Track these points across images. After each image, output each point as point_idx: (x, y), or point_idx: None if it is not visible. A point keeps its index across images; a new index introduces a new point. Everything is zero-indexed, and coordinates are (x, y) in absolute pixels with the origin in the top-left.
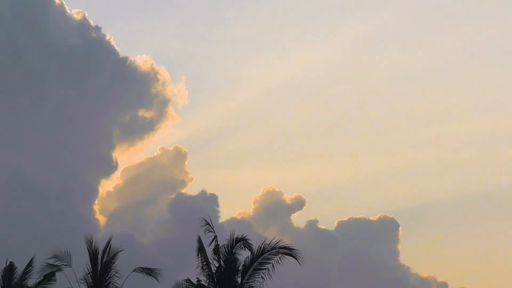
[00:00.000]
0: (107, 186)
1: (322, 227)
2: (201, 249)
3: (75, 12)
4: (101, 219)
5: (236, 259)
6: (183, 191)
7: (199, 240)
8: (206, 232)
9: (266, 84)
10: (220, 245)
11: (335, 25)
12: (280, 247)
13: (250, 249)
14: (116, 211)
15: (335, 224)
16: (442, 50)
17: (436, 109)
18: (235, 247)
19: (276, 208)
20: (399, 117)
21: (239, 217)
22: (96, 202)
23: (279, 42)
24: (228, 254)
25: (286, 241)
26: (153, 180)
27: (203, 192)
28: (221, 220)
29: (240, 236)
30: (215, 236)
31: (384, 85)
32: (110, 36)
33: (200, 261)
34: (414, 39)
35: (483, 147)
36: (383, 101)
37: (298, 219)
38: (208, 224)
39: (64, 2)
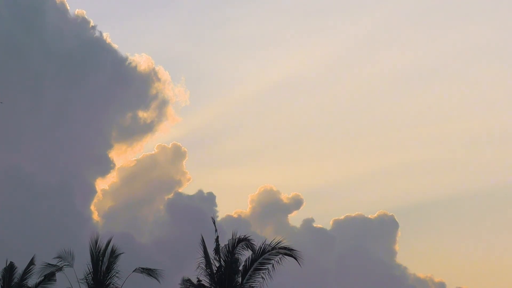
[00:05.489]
0: (103, 184)
1: (320, 225)
2: (204, 249)
3: (74, 12)
4: (97, 218)
5: (237, 259)
6: (180, 190)
7: (203, 240)
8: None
9: (264, 84)
10: (221, 245)
11: (334, 24)
12: (280, 248)
13: (253, 249)
14: (112, 210)
15: (331, 223)
16: (440, 49)
17: (435, 108)
18: (237, 247)
19: (273, 207)
20: (397, 116)
21: (235, 216)
22: (93, 202)
23: (278, 42)
24: (229, 254)
25: (286, 242)
26: (150, 178)
27: (201, 191)
28: (218, 219)
29: (242, 236)
30: (217, 237)
31: (381, 84)
32: (110, 36)
33: (201, 261)
34: (411, 39)
35: (482, 147)
36: (381, 99)
37: (294, 218)
38: (214, 225)
39: (64, 2)
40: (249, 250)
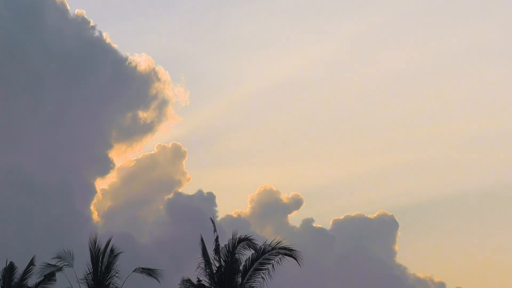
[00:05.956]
0: (103, 184)
1: (319, 225)
2: (203, 249)
3: (74, 12)
4: (97, 218)
5: (237, 259)
6: (180, 190)
7: (202, 240)
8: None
9: (263, 83)
10: (221, 245)
11: (334, 24)
12: (280, 248)
13: (255, 249)
14: (111, 210)
15: (331, 223)
16: (440, 49)
17: (435, 108)
18: (237, 247)
19: (273, 207)
20: (397, 116)
21: (235, 216)
22: (93, 202)
23: (277, 41)
24: (229, 254)
25: (285, 242)
26: (150, 178)
27: (200, 191)
28: (218, 219)
29: (243, 236)
30: (217, 237)
31: (381, 84)
32: (109, 36)
33: (201, 261)
34: (411, 39)
35: (481, 147)
36: (381, 99)
37: (294, 217)
38: (214, 225)
39: (64, 2)
40: (249, 250)
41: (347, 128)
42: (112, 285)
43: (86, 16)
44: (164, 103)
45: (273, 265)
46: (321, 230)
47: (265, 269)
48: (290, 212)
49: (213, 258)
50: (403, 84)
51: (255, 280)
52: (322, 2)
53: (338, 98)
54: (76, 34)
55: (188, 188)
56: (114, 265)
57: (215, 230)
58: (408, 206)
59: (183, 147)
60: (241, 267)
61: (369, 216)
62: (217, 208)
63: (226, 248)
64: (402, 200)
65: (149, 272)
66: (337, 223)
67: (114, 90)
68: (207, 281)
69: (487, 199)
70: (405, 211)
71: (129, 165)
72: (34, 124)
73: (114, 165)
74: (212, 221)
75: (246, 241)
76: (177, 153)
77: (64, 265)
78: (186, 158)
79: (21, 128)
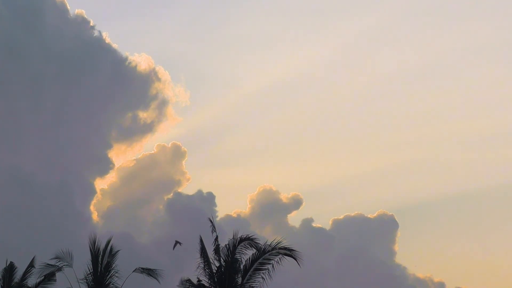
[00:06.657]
0: (102, 184)
1: (319, 225)
2: (202, 249)
3: (74, 12)
4: (96, 218)
5: (236, 259)
6: (180, 190)
7: (201, 241)
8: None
9: (264, 84)
10: (221, 245)
11: (334, 24)
12: (280, 248)
13: (257, 249)
14: (111, 210)
15: (330, 223)
16: (439, 48)
17: (435, 108)
18: (238, 247)
19: (272, 207)
20: (397, 116)
21: (235, 215)
22: (92, 201)
23: (278, 41)
24: (230, 254)
25: (285, 242)
26: (149, 178)
27: (200, 191)
28: (217, 219)
29: (245, 236)
30: (217, 236)
31: (381, 84)
32: (109, 36)
33: (201, 261)
34: (411, 39)
35: (481, 147)
36: (381, 99)
37: (294, 217)
38: (212, 224)
39: (64, 2)
40: (249, 250)
41: (347, 128)
42: (112, 285)
43: (86, 16)
44: (164, 103)
45: (273, 265)
46: (320, 230)
47: (265, 269)
48: (289, 212)
49: (212, 258)
50: (403, 84)
51: (255, 280)
52: (322, 2)
53: (338, 98)
54: (76, 34)
55: (187, 188)
56: (114, 264)
57: (214, 230)
58: (408, 206)
59: (183, 147)
60: (241, 267)
61: (369, 216)
62: (216, 208)
63: (226, 247)
64: (402, 200)
65: (149, 272)
66: (337, 223)
67: (114, 90)
68: (207, 281)
69: (487, 199)
70: (405, 211)
71: (129, 165)
72: (34, 124)
73: (113, 165)
74: (211, 221)
75: (248, 240)
76: (177, 153)
77: (64, 265)
78: (186, 158)
79: (21, 128)
